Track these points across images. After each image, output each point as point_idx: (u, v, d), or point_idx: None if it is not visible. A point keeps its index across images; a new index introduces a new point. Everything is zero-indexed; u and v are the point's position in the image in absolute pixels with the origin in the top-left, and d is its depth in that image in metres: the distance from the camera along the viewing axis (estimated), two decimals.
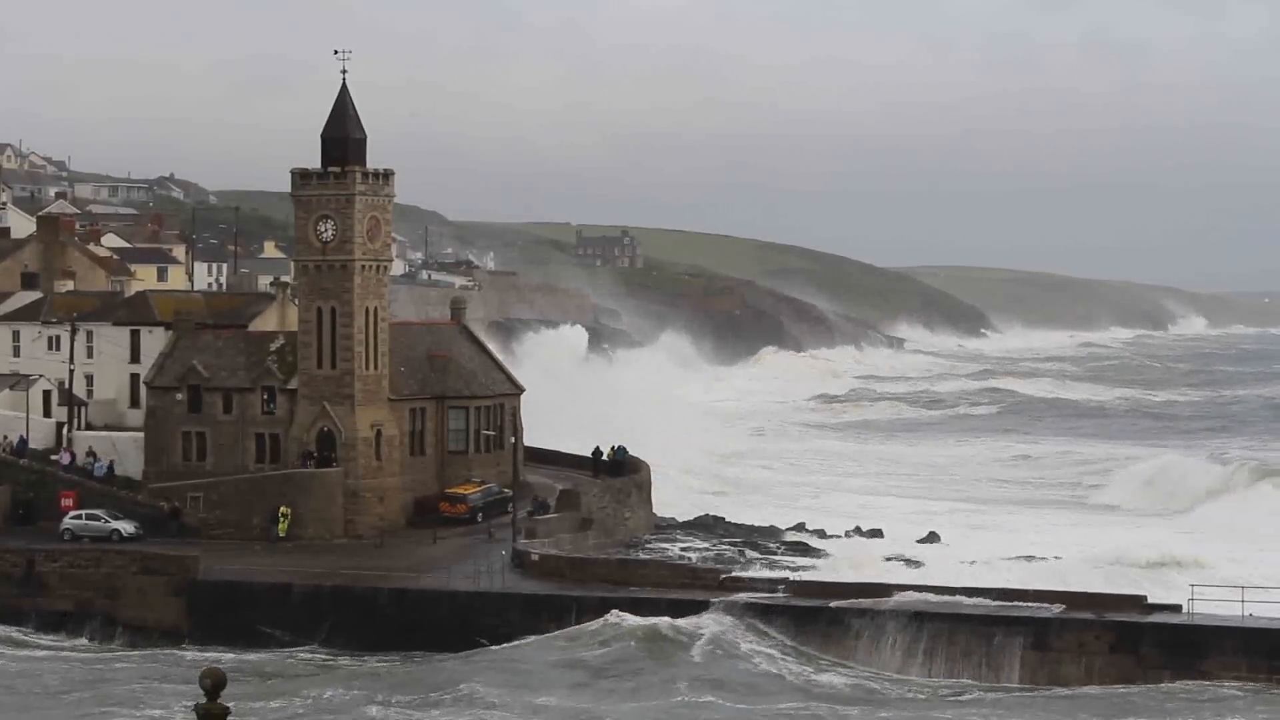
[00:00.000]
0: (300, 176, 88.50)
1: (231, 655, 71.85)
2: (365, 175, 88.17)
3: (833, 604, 70.93)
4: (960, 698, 64.95)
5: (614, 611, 71.01)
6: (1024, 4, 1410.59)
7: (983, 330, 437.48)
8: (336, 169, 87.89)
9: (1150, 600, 70.42)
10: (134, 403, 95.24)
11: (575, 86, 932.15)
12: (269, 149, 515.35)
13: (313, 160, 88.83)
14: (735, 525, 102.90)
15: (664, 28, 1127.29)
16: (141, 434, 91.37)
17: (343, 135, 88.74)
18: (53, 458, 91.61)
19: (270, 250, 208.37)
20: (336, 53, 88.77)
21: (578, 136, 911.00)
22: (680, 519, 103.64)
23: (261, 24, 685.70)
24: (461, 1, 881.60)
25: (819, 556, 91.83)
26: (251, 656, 72.17)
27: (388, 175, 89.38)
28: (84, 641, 76.65)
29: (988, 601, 70.42)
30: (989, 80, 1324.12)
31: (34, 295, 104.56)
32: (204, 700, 28.41)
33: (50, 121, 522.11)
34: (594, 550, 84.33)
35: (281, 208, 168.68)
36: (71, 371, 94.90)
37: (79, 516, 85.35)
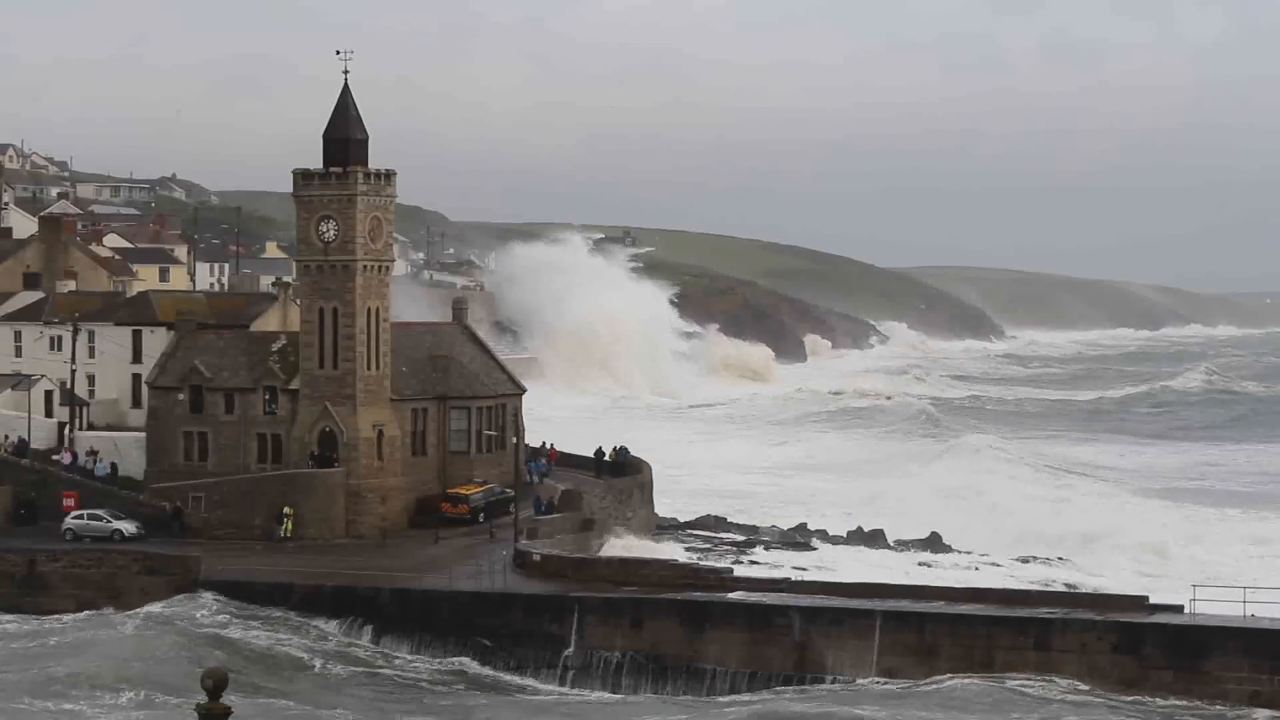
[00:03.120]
0: (302, 177, 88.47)
1: (232, 655, 71.69)
2: (367, 175, 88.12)
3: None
4: None
5: None
6: (987, 6, 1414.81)
7: (990, 335, 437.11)
8: (338, 169, 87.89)
9: (1152, 600, 70.43)
10: (136, 403, 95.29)
11: (546, 86, 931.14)
12: (263, 149, 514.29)
13: (314, 160, 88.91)
14: (736, 525, 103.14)
15: (627, 29, 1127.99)
16: (143, 434, 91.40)
17: (344, 135, 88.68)
18: (54, 458, 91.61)
19: (272, 250, 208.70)
20: (338, 53, 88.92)
21: (556, 137, 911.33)
22: (681, 519, 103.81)
23: (224, 25, 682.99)
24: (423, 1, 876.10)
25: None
26: (253, 656, 72.01)
27: (389, 175, 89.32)
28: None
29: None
30: (955, 82, 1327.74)
31: (36, 295, 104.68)
32: (205, 700, 28.46)
33: (35, 122, 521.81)
34: (596, 550, 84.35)
35: (283, 208, 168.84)
36: (73, 371, 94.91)
37: (80, 516, 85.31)
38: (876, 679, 67.41)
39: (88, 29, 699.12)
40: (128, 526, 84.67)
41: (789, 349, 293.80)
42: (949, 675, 66.74)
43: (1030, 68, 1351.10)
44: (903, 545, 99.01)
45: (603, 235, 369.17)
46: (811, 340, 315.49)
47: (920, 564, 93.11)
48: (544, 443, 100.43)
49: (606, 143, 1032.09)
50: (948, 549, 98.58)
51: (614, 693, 68.62)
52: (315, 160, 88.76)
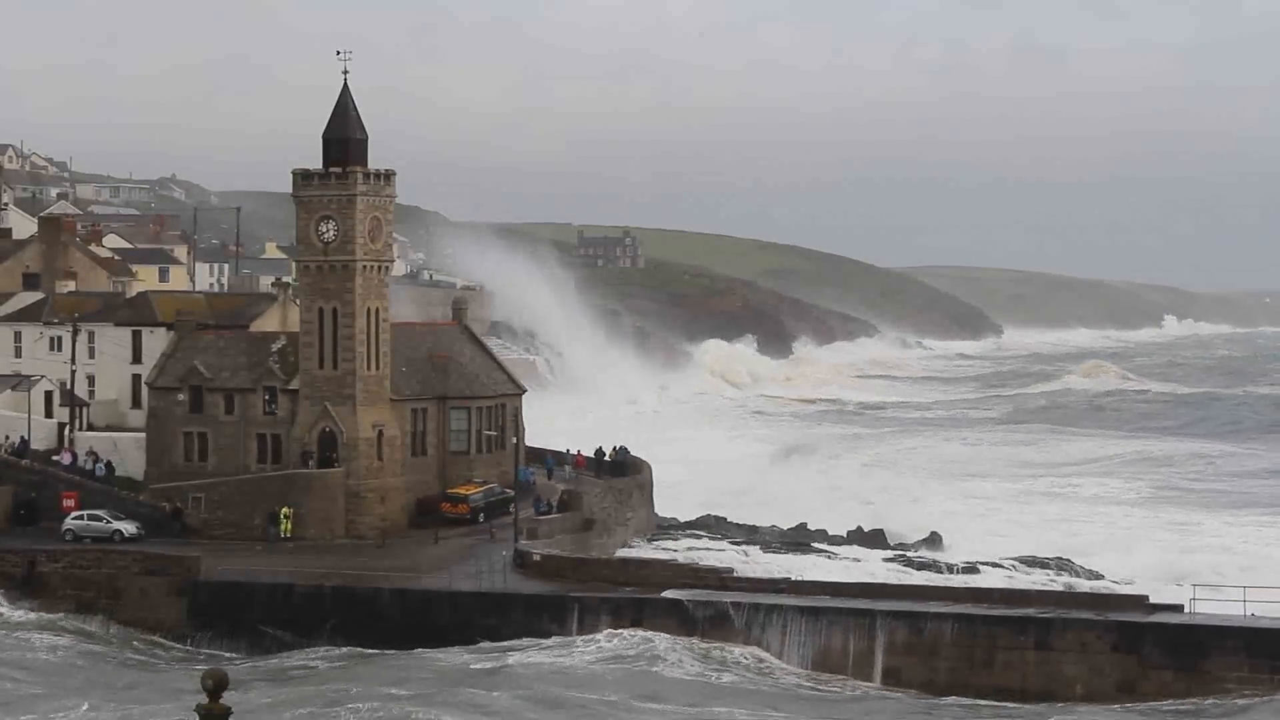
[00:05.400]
0: (302, 177, 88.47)
1: (233, 655, 71.76)
2: (366, 176, 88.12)
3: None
4: None
5: None
6: (958, 6, 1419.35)
7: (989, 334, 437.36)
8: (338, 169, 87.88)
9: (1152, 600, 70.46)
10: (135, 403, 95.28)
11: (526, 89, 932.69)
12: (263, 150, 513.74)
13: (315, 160, 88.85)
14: (736, 525, 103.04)
15: (600, 32, 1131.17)
16: (143, 434, 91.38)
17: (344, 136, 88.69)
18: (54, 458, 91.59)
19: (271, 251, 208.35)
20: (339, 53, 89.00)
21: (553, 138, 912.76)
22: (681, 519, 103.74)
23: (225, 25, 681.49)
24: (388, 4, 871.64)
25: None
26: (253, 657, 72.09)
27: (389, 175, 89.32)
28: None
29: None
30: (949, 81, 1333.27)
31: (36, 296, 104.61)
32: (206, 701, 28.44)
33: (35, 124, 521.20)
34: (596, 550, 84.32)
35: (283, 208, 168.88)
36: (73, 372, 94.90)
37: (80, 517, 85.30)
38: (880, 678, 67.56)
39: (88, 29, 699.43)
40: (127, 527, 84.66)
41: (781, 349, 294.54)
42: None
43: (1002, 72, 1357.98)
44: (903, 545, 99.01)
45: (602, 235, 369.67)
46: (802, 339, 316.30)
47: (920, 565, 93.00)
48: (567, 449, 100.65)
49: (593, 144, 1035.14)
50: (945, 548, 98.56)
51: None
52: (315, 160, 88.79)
